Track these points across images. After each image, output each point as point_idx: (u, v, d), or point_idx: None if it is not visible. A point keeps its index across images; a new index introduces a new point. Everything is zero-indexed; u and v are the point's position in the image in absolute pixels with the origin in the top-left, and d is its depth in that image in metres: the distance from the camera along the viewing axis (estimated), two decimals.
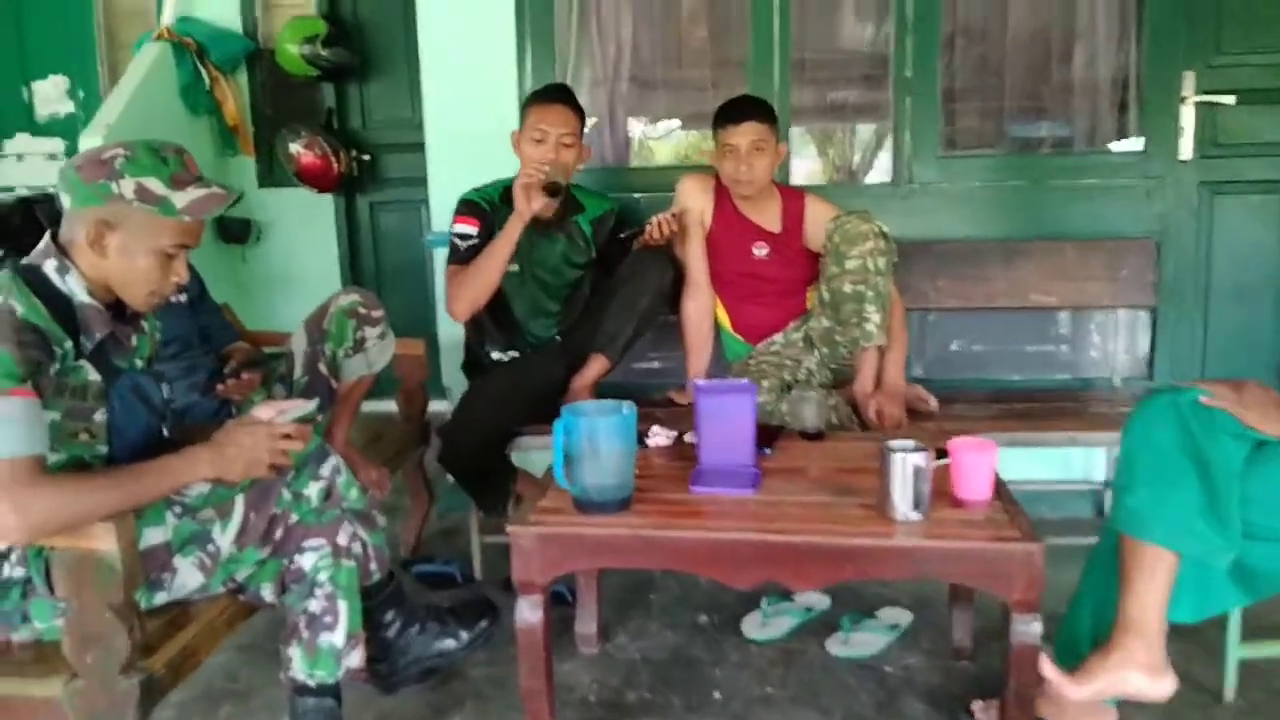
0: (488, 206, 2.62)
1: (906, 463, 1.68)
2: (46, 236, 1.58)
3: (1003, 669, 1.80)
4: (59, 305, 1.51)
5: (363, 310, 2.29)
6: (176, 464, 1.54)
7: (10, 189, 4.69)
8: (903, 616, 2.41)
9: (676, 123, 3.74)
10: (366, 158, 4.42)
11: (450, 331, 3.19)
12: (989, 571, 1.66)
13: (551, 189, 2.48)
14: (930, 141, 3.00)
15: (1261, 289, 3.01)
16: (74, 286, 1.54)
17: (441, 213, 3.19)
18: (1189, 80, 2.91)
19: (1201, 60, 2.91)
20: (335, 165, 4.20)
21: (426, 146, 3.16)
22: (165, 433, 1.69)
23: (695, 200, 2.68)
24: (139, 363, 1.68)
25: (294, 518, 1.69)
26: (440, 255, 3.19)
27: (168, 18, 4.13)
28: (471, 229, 2.58)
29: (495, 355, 2.71)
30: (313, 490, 1.72)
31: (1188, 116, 2.93)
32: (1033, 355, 3.15)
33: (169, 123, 4.02)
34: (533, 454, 2.74)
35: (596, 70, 3.25)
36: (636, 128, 3.62)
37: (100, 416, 1.57)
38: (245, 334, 2.82)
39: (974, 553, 1.66)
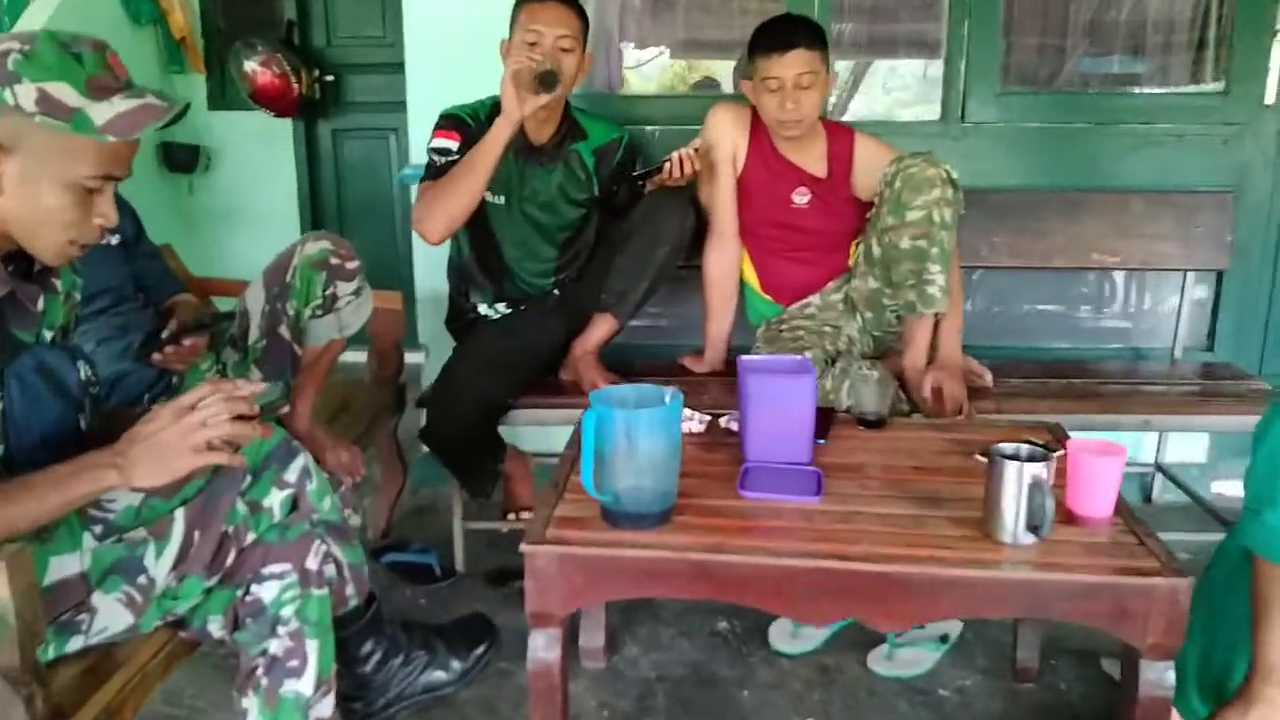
0: (472, 122, 2.21)
1: (1024, 475, 1.34)
2: None
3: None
4: None
5: (335, 261, 1.88)
6: (72, 470, 1.14)
7: None
8: (951, 625, 2.10)
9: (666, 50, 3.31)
10: (330, 79, 4.00)
11: (429, 282, 2.80)
12: (1120, 611, 1.33)
13: (545, 79, 2.06)
14: (988, 75, 2.61)
15: None
16: None
17: (420, 143, 2.75)
18: None
19: None
20: (295, 86, 3.78)
21: (406, 64, 2.72)
22: (82, 425, 1.30)
23: (726, 135, 2.29)
24: (48, 334, 1.28)
25: (250, 536, 1.32)
26: (416, 190, 2.78)
27: None
28: (452, 143, 2.17)
29: (483, 309, 2.32)
30: (275, 500, 1.35)
31: (1278, 56, 2.58)
32: (1081, 320, 2.83)
33: (107, 33, 3.44)
34: (522, 429, 2.39)
35: None
36: (634, 53, 3.19)
37: None
38: (191, 283, 2.40)
39: (1104, 589, 1.33)
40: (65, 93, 1.12)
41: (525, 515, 2.38)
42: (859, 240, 2.31)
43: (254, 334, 1.91)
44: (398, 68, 4.03)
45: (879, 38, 2.90)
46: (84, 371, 1.28)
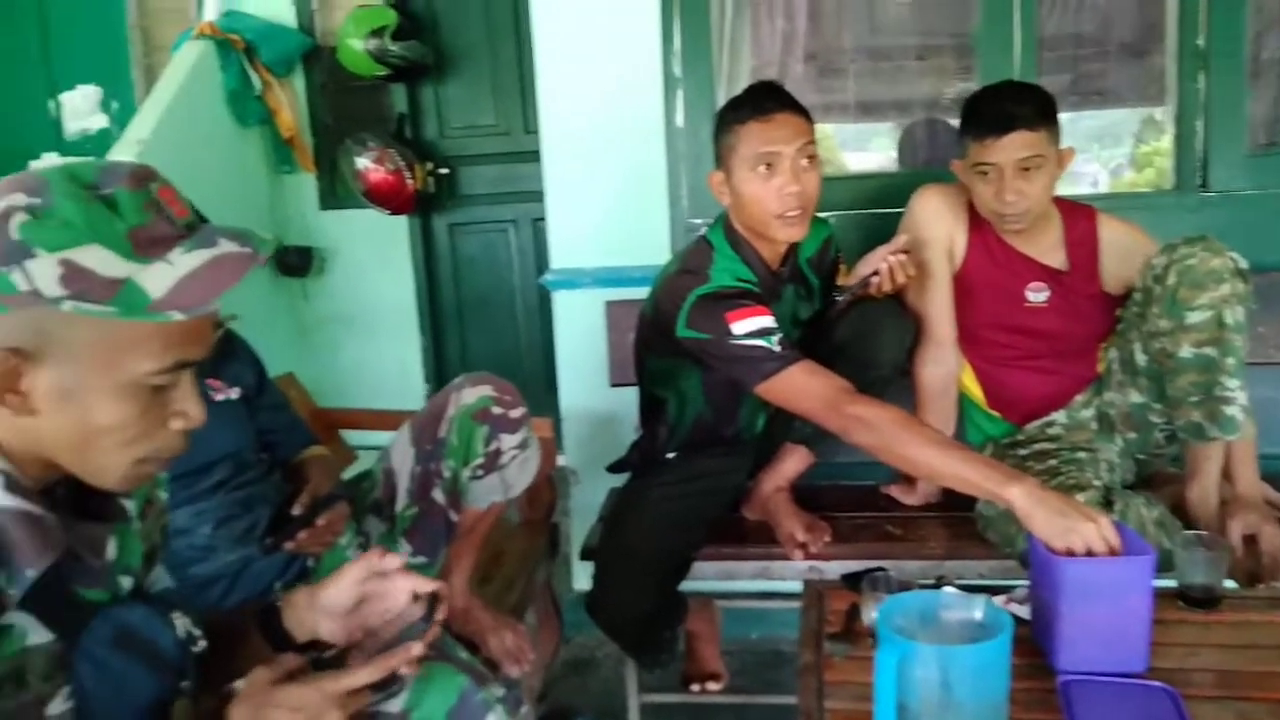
0: (752, 285, 1.77)
1: None
2: None
3: None
4: None
5: (497, 411, 1.55)
6: None
7: None
8: None
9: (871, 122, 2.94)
10: (444, 172, 3.76)
11: (578, 399, 2.47)
12: None
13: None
14: (1234, 133, 2.19)
15: None
16: None
17: (563, 243, 2.46)
18: None
19: None
20: (409, 182, 3.55)
21: (543, 156, 2.42)
22: (184, 692, 0.95)
23: (940, 224, 1.90)
24: (125, 582, 0.94)
25: None
26: (562, 298, 2.47)
27: (210, 12, 3.48)
28: (767, 320, 1.68)
29: (668, 452, 1.93)
30: None
31: None
32: None
33: (214, 137, 3.38)
34: (702, 582, 2.00)
35: (763, 48, 2.46)
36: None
37: (61, 705, 0.84)
38: (316, 418, 2.11)
39: None
40: (99, 259, 0.77)
41: (712, 686, 1.98)
42: (1108, 344, 1.90)
43: (403, 500, 1.58)
44: (514, 157, 3.85)
45: (1085, 89, 2.51)
46: (182, 627, 0.93)
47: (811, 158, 1.71)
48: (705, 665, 2.02)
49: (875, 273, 1.79)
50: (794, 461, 1.93)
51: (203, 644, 0.95)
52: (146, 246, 0.79)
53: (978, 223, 1.89)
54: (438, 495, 1.57)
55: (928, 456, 1.49)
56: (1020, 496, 1.34)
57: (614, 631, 1.89)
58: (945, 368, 1.93)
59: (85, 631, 0.85)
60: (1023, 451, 1.89)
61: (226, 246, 0.82)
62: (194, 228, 0.83)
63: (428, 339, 3.88)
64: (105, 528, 0.91)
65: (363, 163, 3.52)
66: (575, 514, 2.54)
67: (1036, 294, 1.88)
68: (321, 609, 1.01)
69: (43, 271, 0.76)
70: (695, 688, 2.00)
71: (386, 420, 2.16)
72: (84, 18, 3.99)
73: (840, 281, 1.97)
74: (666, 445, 1.89)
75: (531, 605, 2.14)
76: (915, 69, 2.48)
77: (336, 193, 3.76)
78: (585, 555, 1.95)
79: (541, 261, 3.78)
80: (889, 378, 1.84)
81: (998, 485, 1.38)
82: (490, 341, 3.87)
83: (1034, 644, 1.30)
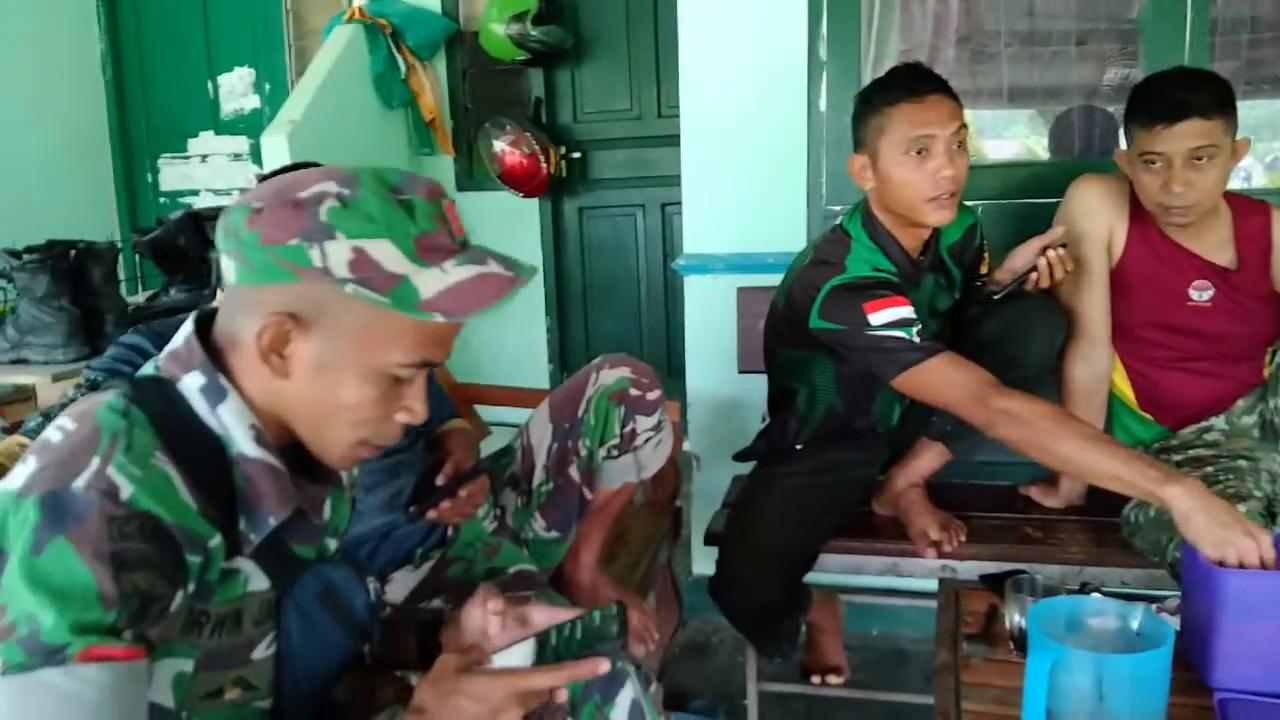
0: (893, 275, 1.72)
1: None
2: (188, 328, 0.90)
3: None
4: (205, 465, 0.84)
5: (635, 393, 1.56)
6: None
7: (194, 193, 4.35)
8: None
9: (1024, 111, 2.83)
10: (576, 156, 3.79)
11: (704, 383, 2.47)
12: None
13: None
14: None
15: None
16: (232, 426, 0.86)
17: (697, 227, 2.46)
18: None
19: None
20: (544, 166, 3.60)
21: (682, 139, 2.42)
22: (366, 658, 1.01)
23: (1097, 217, 1.82)
24: (332, 543, 1.00)
25: None
26: (693, 283, 2.47)
27: None
28: (907, 310, 1.64)
29: (798, 443, 1.91)
30: None
31: None
32: None
33: (360, 118, 3.50)
34: (828, 575, 1.97)
35: (913, 30, 2.39)
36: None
37: (265, 651, 0.90)
38: (455, 392, 2.17)
39: None
40: (388, 255, 0.84)
41: (833, 679, 1.96)
42: (1276, 347, 1.78)
43: (539, 475, 1.61)
44: (646, 141, 3.87)
45: (1254, 77, 2.34)
46: (374, 591, 0.99)
47: (962, 142, 1.65)
48: (827, 658, 2.00)
49: (1033, 268, 1.72)
50: (930, 458, 1.88)
51: (387, 611, 0.99)
52: (427, 252, 0.85)
53: (1139, 216, 1.80)
54: (573, 473, 1.59)
55: (1081, 452, 1.43)
56: (1181, 496, 1.27)
57: (736, 618, 1.88)
58: (1097, 367, 1.85)
59: (297, 585, 0.91)
60: (1176, 457, 1.79)
61: (494, 267, 0.88)
62: (467, 245, 0.89)
63: (553, 320, 3.94)
64: (323, 490, 0.97)
65: (500, 146, 3.60)
66: (697, 499, 2.54)
67: (1201, 292, 1.78)
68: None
69: (337, 254, 0.83)
70: (815, 680, 1.98)
71: (521, 397, 2.21)
72: (241, 3, 4.20)
73: (985, 272, 1.91)
74: (797, 436, 1.87)
75: (653, 587, 2.16)
76: (1074, 54, 2.37)
77: (473, 175, 3.86)
78: (709, 540, 1.95)
79: (669, 247, 3.81)
80: (1037, 377, 1.76)
81: (1156, 484, 1.31)
82: (614, 325, 3.91)
83: (1183, 657, 1.24)
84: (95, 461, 0.76)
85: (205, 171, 4.35)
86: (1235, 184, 3.02)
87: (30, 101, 4.02)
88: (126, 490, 0.76)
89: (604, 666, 0.92)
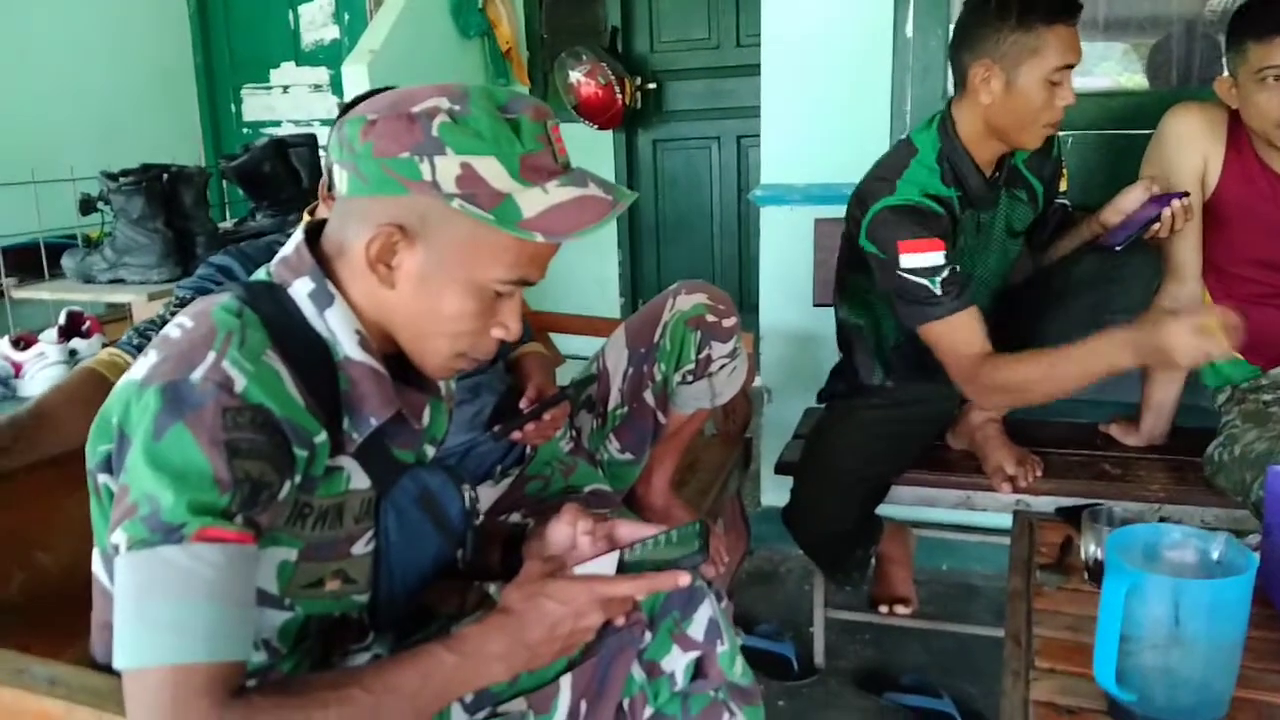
0: (941, 209, 1.65)
1: None
2: (298, 236, 0.94)
3: None
4: (313, 365, 0.88)
5: (711, 319, 1.57)
6: (448, 664, 0.87)
7: (276, 123, 4.42)
8: None
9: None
10: (652, 87, 3.75)
11: (777, 314, 2.47)
12: None
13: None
14: None
15: None
16: (338, 330, 0.90)
17: (775, 158, 2.44)
18: None
19: None
20: (619, 96, 3.57)
21: (762, 67, 2.39)
22: (460, 564, 1.05)
23: (1192, 148, 1.75)
24: (429, 450, 1.04)
25: (648, 711, 1.02)
26: (769, 214, 2.46)
27: None
28: (938, 256, 1.60)
29: (875, 381, 1.89)
30: (678, 665, 1.05)
31: None
32: None
33: (438, 48, 3.51)
34: (900, 507, 1.98)
35: None
36: None
37: (364, 547, 0.95)
38: (531, 319, 2.19)
39: None
40: (494, 172, 0.86)
41: (901, 610, 1.98)
42: None
43: (614, 399, 1.64)
44: (723, 71, 3.82)
45: None
46: (469, 499, 1.03)
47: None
48: (895, 589, 2.01)
49: (1156, 219, 1.66)
50: None
51: (480, 520, 1.04)
52: (531, 172, 0.87)
53: (1237, 145, 1.73)
54: (648, 397, 1.61)
55: (1056, 381, 1.52)
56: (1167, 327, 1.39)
57: (809, 545, 1.91)
58: (1188, 301, 1.80)
59: (396, 486, 0.96)
60: (1266, 396, 1.75)
61: (594, 190, 0.90)
62: (569, 167, 0.91)
63: (624, 253, 3.95)
64: (423, 397, 1.01)
65: (575, 76, 3.58)
66: (767, 432, 2.56)
67: None
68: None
69: (446, 168, 0.85)
70: (883, 609, 1.99)
71: (595, 325, 2.23)
72: None
73: (1063, 190, 1.86)
74: (873, 375, 1.86)
75: (721, 514, 2.19)
76: None
77: (548, 105, 3.85)
78: (780, 469, 1.97)
79: (744, 181, 3.76)
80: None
81: (1130, 343, 1.43)
82: (686, 258, 3.90)
83: (1263, 594, 1.22)
84: (211, 356, 0.81)
85: (286, 102, 4.42)
86: None
87: (118, 35, 4.11)
88: (240, 383, 0.80)
89: (685, 579, 0.95)
